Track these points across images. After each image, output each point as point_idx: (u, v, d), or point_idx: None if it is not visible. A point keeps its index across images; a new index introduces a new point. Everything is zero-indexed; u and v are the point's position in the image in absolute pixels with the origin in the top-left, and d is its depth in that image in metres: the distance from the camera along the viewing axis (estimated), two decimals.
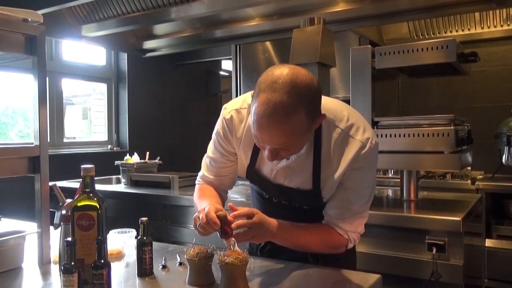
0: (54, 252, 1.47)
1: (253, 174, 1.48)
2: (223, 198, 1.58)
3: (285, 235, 1.35)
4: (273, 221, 1.31)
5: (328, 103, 1.34)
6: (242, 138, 1.43)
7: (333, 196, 1.38)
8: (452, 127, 2.15)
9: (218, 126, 1.49)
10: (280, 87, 1.13)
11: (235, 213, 1.25)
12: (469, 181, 3.27)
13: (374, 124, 2.34)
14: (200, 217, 1.25)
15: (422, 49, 2.24)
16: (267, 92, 1.14)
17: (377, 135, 2.29)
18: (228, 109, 1.47)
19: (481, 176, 3.35)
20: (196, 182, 1.62)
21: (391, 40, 4.02)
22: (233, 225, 1.22)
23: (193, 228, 1.31)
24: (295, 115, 1.13)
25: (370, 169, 1.37)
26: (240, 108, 1.44)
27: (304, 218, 1.43)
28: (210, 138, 1.59)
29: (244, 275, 1.18)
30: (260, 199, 1.57)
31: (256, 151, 1.42)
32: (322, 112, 1.25)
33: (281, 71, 1.16)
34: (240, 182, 3.39)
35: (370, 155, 1.32)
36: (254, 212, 1.26)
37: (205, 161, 1.58)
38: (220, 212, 1.22)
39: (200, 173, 1.60)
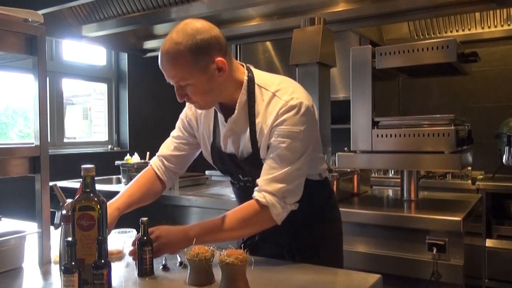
0: (55, 252, 1.47)
1: (214, 152, 1.56)
2: (162, 185, 1.68)
3: (201, 231, 1.40)
4: (181, 227, 1.44)
5: (264, 74, 1.50)
6: (203, 113, 1.57)
7: (266, 159, 1.42)
8: (452, 127, 2.15)
9: (184, 109, 1.66)
10: (177, 29, 1.36)
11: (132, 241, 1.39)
12: (469, 181, 3.27)
13: (375, 124, 2.34)
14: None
15: (423, 49, 2.24)
16: (169, 34, 1.37)
17: (377, 135, 2.31)
18: None
19: (481, 176, 3.35)
20: (149, 163, 1.73)
21: (392, 40, 4.02)
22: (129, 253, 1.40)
23: None
24: (177, 48, 1.32)
25: (301, 127, 1.38)
26: None
27: None
28: None
29: (244, 275, 1.18)
30: (233, 189, 1.67)
31: (215, 124, 1.54)
32: (256, 81, 1.44)
33: (187, 21, 1.38)
34: None
35: (294, 113, 1.37)
36: (152, 230, 1.37)
37: (165, 142, 1.71)
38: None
39: (156, 154, 1.71)
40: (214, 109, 1.53)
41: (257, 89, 1.45)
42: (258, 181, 1.40)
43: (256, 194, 1.39)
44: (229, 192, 3.05)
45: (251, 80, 1.46)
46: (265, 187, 1.38)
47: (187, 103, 1.58)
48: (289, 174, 1.38)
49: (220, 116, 1.51)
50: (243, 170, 1.52)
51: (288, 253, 1.53)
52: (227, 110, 1.48)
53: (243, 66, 1.50)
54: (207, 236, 1.39)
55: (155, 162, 1.68)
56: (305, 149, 1.41)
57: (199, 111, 1.57)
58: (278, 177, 1.37)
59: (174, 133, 1.69)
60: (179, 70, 1.35)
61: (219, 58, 1.36)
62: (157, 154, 1.70)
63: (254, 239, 1.61)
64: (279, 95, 1.41)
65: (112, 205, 1.52)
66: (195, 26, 1.35)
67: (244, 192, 1.53)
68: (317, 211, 1.58)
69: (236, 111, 1.45)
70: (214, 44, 1.36)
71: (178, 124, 1.68)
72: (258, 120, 1.43)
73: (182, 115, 1.66)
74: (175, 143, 1.66)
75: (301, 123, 1.39)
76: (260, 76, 1.49)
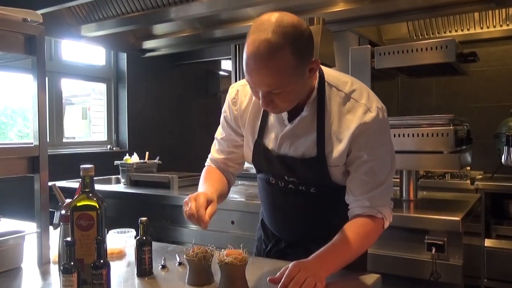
0: (54, 252, 1.47)
1: (259, 150, 1.44)
2: (229, 182, 1.57)
3: (329, 260, 1.25)
4: (311, 260, 1.23)
5: (331, 71, 1.37)
6: (249, 109, 1.44)
7: (356, 174, 1.33)
8: (451, 127, 2.15)
9: (224, 106, 1.52)
10: (266, 27, 1.15)
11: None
12: (468, 181, 3.27)
13: None
14: (189, 205, 1.24)
15: (422, 49, 2.24)
16: (254, 33, 1.17)
17: None
18: (234, 87, 1.51)
19: (480, 176, 3.35)
20: (205, 164, 1.61)
21: (391, 40, 4.02)
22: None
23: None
24: (281, 52, 1.14)
25: (384, 135, 1.35)
26: (245, 84, 1.43)
27: (312, 204, 1.41)
28: (210, 138, 1.62)
29: (244, 275, 1.18)
30: (267, 188, 1.54)
31: (264, 121, 1.42)
32: (327, 78, 1.31)
33: (269, 15, 1.19)
34: (239, 182, 3.40)
35: (379, 120, 1.29)
36: (292, 267, 1.18)
37: (214, 144, 1.59)
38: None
39: (209, 156, 1.61)
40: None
41: (327, 87, 1.33)
42: (362, 197, 1.32)
43: (369, 211, 1.33)
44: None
45: (322, 77, 1.34)
46: (376, 202, 1.33)
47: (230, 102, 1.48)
48: (390, 185, 1.38)
49: (283, 114, 1.36)
50: (293, 172, 1.41)
51: None
52: (292, 109, 1.33)
53: None
54: (335, 264, 1.26)
55: (214, 165, 1.58)
56: (393, 152, 1.39)
57: (243, 107, 1.45)
58: (384, 192, 1.35)
59: (220, 136, 1.56)
60: (279, 77, 1.17)
61: (315, 59, 1.23)
62: (209, 157, 1.60)
63: (281, 245, 1.54)
64: (356, 97, 1.30)
65: (206, 191, 1.36)
66: (293, 23, 1.17)
67: (282, 193, 1.46)
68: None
69: (305, 110, 1.33)
70: (311, 42, 1.22)
71: (224, 125, 1.54)
72: (330, 121, 1.32)
73: (226, 116, 1.52)
74: (226, 147, 1.55)
75: (386, 130, 1.35)
76: (330, 73, 1.36)
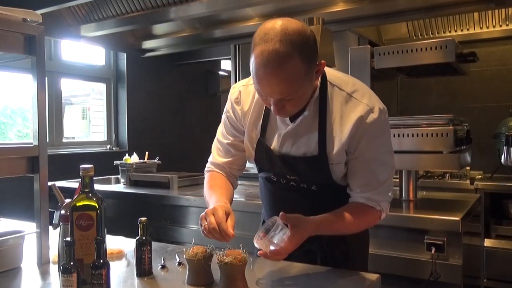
0: (53, 252, 1.47)
1: (261, 149, 1.45)
2: (233, 187, 1.57)
3: (320, 230, 1.31)
4: (309, 222, 1.27)
5: (333, 71, 1.40)
6: (251, 109, 1.45)
7: (356, 172, 1.37)
8: (451, 127, 2.15)
9: (227, 106, 1.53)
10: (272, 36, 1.16)
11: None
12: (468, 181, 3.27)
13: None
14: (208, 220, 1.23)
15: (421, 49, 2.25)
16: (261, 44, 1.17)
17: None
18: (236, 87, 1.51)
19: (480, 176, 3.35)
20: (206, 169, 1.60)
21: (390, 40, 4.02)
22: (274, 256, 1.20)
23: (199, 227, 1.27)
24: (290, 61, 1.15)
25: (384, 135, 1.36)
26: (247, 84, 1.48)
27: (313, 202, 1.42)
28: (210, 138, 1.61)
29: (243, 275, 1.18)
30: (268, 186, 1.54)
31: (266, 120, 1.43)
32: (329, 78, 1.34)
33: (273, 23, 1.20)
34: (239, 182, 3.39)
35: (380, 121, 1.31)
36: (290, 219, 1.22)
37: (215, 145, 1.58)
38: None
39: (210, 159, 1.60)
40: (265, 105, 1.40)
41: (329, 87, 1.35)
42: (363, 193, 1.37)
43: (369, 203, 1.37)
44: None
45: (324, 77, 1.35)
46: (376, 198, 1.37)
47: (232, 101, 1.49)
48: (391, 182, 1.40)
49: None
50: (295, 170, 1.42)
51: (322, 261, 1.46)
52: None
53: None
54: (324, 232, 1.33)
55: (218, 169, 1.56)
56: (393, 153, 1.41)
57: (246, 107, 1.46)
58: (384, 191, 1.38)
59: (223, 137, 1.55)
60: (290, 85, 1.19)
61: (320, 62, 1.25)
62: (210, 161, 1.59)
63: None
64: (357, 97, 1.32)
65: (220, 202, 1.35)
66: (298, 29, 1.18)
67: (283, 190, 1.48)
68: None
69: (308, 109, 1.34)
70: (316, 45, 1.23)
71: (227, 126, 1.53)
72: (331, 120, 1.33)
73: (229, 116, 1.52)
74: (230, 149, 1.54)
75: (387, 131, 1.37)
76: (331, 73, 1.39)
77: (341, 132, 1.32)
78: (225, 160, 1.55)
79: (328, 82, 1.35)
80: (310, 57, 1.20)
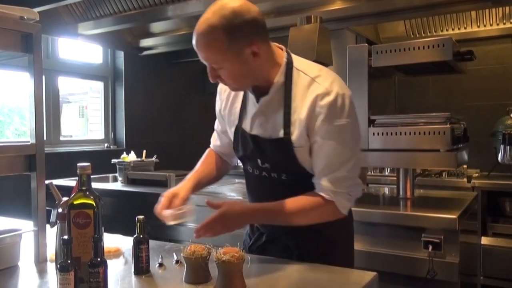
0: (51, 250, 1.47)
1: (237, 135, 1.53)
2: (227, 164, 1.72)
3: (261, 216, 1.45)
4: (244, 207, 1.46)
5: (305, 61, 1.46)
6: (231, 96, 1.56)
7: (315, 157, 1.39)
8: (448, 126, 2.16)
9: (216, 98, 1.67)
10: (213, 9, 1.30)
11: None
12: (465, 179, 3.28)
13: (371, 122, 2.35)
14: (159, 200, 1.43)
15: (419, 48, 2.25)
16: (204, 14, 1.31)
17: (373, 133, 2.31)
18: None
19: (477, 174, 3.37)
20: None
21: (388, 38, 4.03)
22: (199, 233, 1.34)
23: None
24: (213, 31, 1.27)
25: (343, 121, 1.34)
26: None
27: (284, 191, 1.42)
28: (208, 136, 1.76)
29: (241, 273, 1.18)
30: (247, 178, 1.62)
31: (243, 107, 1.51)
32: (295, 65, 1.40)
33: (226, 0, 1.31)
34: (237, 180, 3.40)
35: (336, 104, 1.33)
36: (220, 205, 1.37)
37: (213, 134, 1.74)
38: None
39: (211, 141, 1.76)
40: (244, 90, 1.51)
41: (295, 72, 1.40)
42: (319, 180, 1.38)
43: (322, 192, 1.37)
44: (226, 190, 3.05)
45: (289, 63, 1.41)
46: (330, 187, 1.36)
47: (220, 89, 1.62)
48: (349, 170, 1.38)
49: (251, 96, 1.47)
50: (264, 155, 1.46)
51: (298, 258, 1.46)
52: (259, 90, 1.44)
53: (282, 49, 1.45)
54: (265, 220, 1.46)
55: (214, 149, 1.74)
56: (357, 139, 1.42)
57: (225, 95, 1.59)
58: (341, 177, 1.36)
59: (217, 127, 1.72)
60: (213, 53, 1.31)
61: (255, 44, 1.31)
62: (211, 143, 1.76)
63: (261, 240, 1.57)
64: (319, 81, 1.36)
65: (181, 185, 1.57)
66: (232, 7, 1.28)
67: (258, 182, 1.52)
68: None
69: (270, 93, 1.41)
70: (251, 27, 1.30)
71: (217, 115, 1.69)
72: (294, 104, 1.38)
73: (217, 107, 1.67)
74: (221, 136, 1.69)
75: (347, 115, 1.35)
76: (300, 61, 1.44)
77: (300, 114, 1.37)
78: (219, 144, 1.71)
79: (294, 68, 1.41)
80: (236, 33, 1.27)
